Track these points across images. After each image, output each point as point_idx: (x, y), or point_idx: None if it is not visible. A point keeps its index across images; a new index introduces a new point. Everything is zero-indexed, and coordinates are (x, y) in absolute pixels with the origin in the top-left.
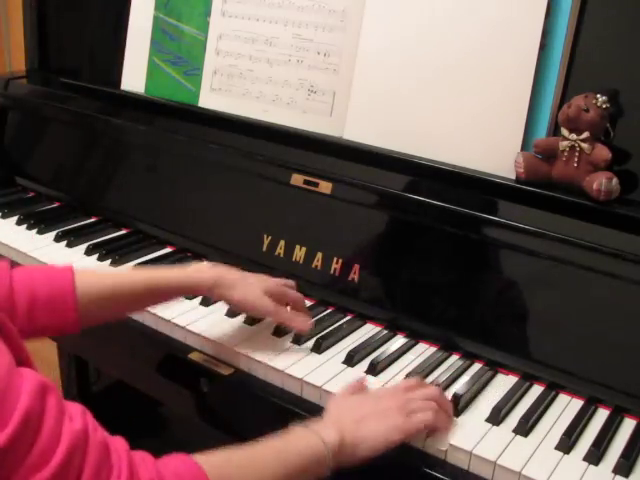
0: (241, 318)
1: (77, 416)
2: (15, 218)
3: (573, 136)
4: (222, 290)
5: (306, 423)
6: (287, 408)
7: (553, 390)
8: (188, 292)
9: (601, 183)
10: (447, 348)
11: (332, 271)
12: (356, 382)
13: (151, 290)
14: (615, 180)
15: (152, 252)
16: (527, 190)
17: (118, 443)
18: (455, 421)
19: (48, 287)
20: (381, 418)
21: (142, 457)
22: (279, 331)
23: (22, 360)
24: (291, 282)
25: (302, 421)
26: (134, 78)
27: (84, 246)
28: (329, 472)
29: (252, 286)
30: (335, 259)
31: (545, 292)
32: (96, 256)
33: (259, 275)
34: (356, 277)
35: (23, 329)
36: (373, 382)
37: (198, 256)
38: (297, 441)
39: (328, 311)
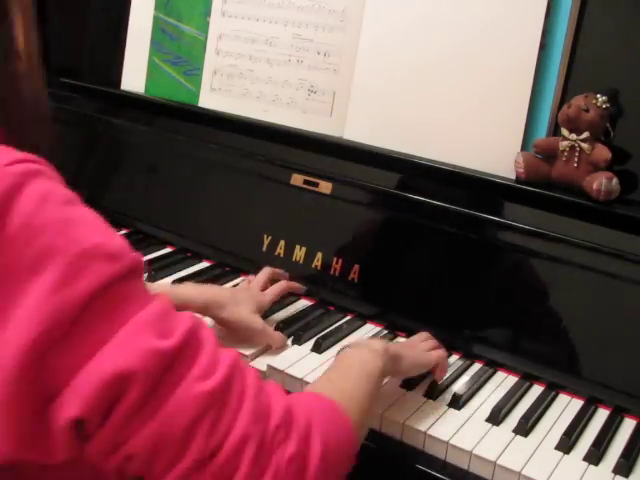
0: None
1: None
2: None
3: (573, 136)
4: (212, 311)
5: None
6: None
7: (553, 390)
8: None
9: (601, 183)
10: (447, 348)
11: (332, 271)
12: None
13: None
14: (615, 180)
15: (152, 252)
16: (527, 190)
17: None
18: (456, 419)
19: None
20: (410, 348)
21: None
22: (279, 330)
23: None
24: (279, 271)
25: None
26: (134, 78)
27: None
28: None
29: (242, 305)
30: (335, 259)
31: (545, 292)
32: None
33: (249, 290)
34: (356, 277)
35: None
36: None
37: (198, 256)
38: (358, 359)
39: (328, 311)
